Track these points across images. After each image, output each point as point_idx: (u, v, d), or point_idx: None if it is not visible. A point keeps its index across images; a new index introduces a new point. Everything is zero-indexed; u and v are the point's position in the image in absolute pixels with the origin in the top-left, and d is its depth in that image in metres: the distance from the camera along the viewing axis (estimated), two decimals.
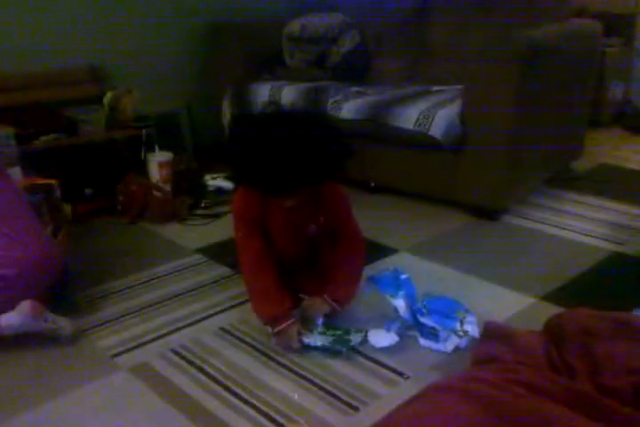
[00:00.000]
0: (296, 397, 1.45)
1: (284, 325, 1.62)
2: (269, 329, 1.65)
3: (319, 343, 1.62)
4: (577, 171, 3.05)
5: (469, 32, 2.84)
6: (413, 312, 1.66)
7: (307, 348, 1.62)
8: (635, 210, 2.56)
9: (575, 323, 1.43)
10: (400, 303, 1.64)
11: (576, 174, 3.01)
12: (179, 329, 1.75)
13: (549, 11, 2.75)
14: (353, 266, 1.76)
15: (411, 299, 1.67)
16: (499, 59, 2.25)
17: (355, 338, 1.63)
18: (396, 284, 1.68)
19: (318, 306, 1.69)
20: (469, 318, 1.66)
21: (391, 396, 1.43)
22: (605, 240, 2.27)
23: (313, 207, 1.72)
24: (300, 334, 1.63)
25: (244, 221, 1.71)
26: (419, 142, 2.46)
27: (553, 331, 1.46)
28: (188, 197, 2.72)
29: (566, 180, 2.92)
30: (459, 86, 2.54)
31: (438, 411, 1.16)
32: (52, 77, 2.77)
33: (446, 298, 1.74)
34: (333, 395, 1.45)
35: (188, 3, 3.14)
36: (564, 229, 2.38)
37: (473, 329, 1.63)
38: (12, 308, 1.61)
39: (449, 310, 1.68)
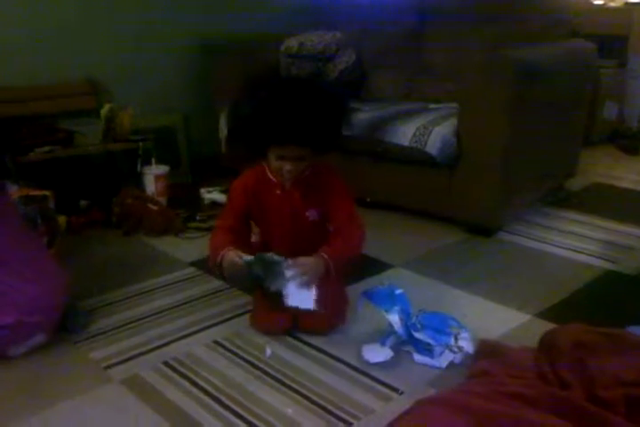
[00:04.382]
0: (289, 411, 1.44)
1: (223, 251, 1.66)
2: (217, 262, 1.68)
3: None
4: (571, 189, 3.07)
5: (464, 51, 2.86)
6: (408, 327, 1.65)
7: (250, 267, 1.63)
8: (627, 228, 2.57)
9: (568, 337, 1.43)
10: (395, 318, 1.64)
11: (570, 193, 3.03)
12: (172, 342, 1.74)
13: (545, 31, 2.79)
14: (347, 238, 1.73)
15: (405, 314, 1.67)
16: (492, 79, 2.27)
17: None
18: (390, 299, 1.67)
19: (314, 266, 1.63)
20: (464, 334, 1.65)
21: (385, 411, 1.42)
22: (599, 258, 2.28)
23: (311, 192, 1.76)
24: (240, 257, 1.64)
25: (237, 192, 1.80)
26: (414, 159, 2.47)
27: (546, 345, 1.46)
28: (184, 210, 2.73)
29: (560, 198, 2.93)
30: (454, 104, 2.57)
31: (430, 424, 1.15)
32: (50, 90, 2.78)
33: (441, 314, 1.74)
34: (327, 410, 1.44)
35: (186, 18, 3.15)
36: (558, 246, 2.39)
37: (467, 345, 1.62)
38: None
39: (443, 325, 1.68)
